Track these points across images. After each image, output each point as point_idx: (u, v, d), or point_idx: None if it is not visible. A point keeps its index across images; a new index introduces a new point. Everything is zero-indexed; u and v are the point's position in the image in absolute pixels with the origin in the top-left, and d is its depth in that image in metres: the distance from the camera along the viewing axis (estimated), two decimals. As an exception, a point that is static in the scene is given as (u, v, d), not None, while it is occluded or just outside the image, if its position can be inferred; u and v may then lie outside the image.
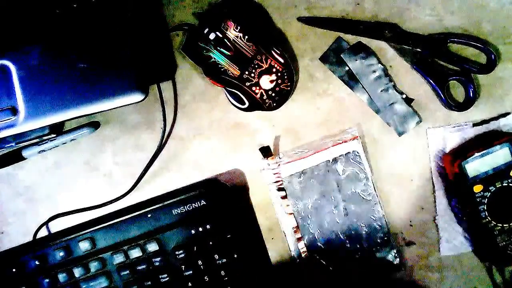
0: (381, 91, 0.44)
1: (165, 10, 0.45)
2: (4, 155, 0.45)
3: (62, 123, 0.44)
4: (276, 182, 0.44)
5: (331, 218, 0.44)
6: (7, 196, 0.46)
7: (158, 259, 0.41)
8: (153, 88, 0.43)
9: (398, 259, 0.44)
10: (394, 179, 0.45)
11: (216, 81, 0.42)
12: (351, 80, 0.44)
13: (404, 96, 0.44)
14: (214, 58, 0.42)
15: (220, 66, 0.42)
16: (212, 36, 0.42)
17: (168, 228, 0.41)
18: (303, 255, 0.44)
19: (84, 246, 0.40)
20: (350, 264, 0.44)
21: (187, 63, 0.45)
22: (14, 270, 0.40)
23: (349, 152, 0.44)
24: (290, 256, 0.45)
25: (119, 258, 0.41)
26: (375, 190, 0.44)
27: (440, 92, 0.43)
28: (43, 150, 0.44)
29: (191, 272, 0.41)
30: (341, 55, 0.44)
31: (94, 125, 0.44)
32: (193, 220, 0.41)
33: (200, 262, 0.41)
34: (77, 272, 0.40)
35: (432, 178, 0.45)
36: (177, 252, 0.41)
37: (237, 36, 0.42)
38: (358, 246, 0.44)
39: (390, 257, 0.44)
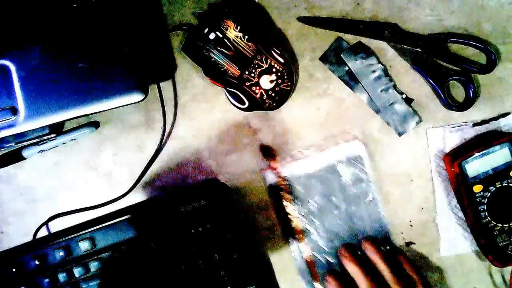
0: (381, 91, 0.44)
1: (165, 10, 0.45)
2: (4, 155, 0.45)
3: (62, 123, 0.44)
4: (278, 183, 0.44)
5: (332, 219, 0.44)
6: (7, 196, 0.46)
7: (158, 259, 0.41)
8: (153, 88, 0.43)
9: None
10: (394, 179, 0.45)
11: (216, 81, 0.42)
12: (351, 80, 0.44)
13: (404, 96, 0.44)
14: (214, 58, 0.42)
15: (220, 66, 0.42)
16: (212, 36, 0.42)
17: (167, 228, 0.41)
18: (304, 256, 0.44)
19: (84, 246, 0.40)
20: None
21: (187, 63, 0.45)
22: (14, 270, 0.40)
23: (351, 154, 0.44)
24: (292, 257, 0.45)
25: (119, 258, 0.41)
26: (376, 191, 0.44)
27: (440, 92, 0.43)
28: (43, 150, 0.44)
29: (191, 272, 0.41)
30: (341, 55, 0.44)
31: (94, 125, 0.44)
32: (193, 220, 0.41)
33: (200, 262, 0.41)
34: (77, 272, 0.40)
35: (432, 178, 0.45)
36: (177, 252, 0.41)
37: (237, 36, 0.42)
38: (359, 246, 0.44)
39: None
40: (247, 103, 0.43)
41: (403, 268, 0.42)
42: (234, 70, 0.42)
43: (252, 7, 0.44)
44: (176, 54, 0.45)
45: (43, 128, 0.40)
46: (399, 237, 0.45)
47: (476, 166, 0.42)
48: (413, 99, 0.44)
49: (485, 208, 0.42)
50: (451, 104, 0.43)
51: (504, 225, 0.42)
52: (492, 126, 0.44)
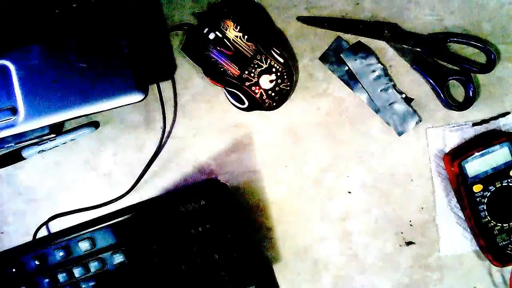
0: (381, 90, 0.44)
1: (165, 10, 0.44)
2: (4, 155, 0.45)
3: (62, 123, 0.44)
4: None
5: None
6: (7, 196, 0.46)
7: (158, 259, 0.41)
8: (153, 88, 0.43)
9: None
10: (394, 179, 0.45)
11: (216, 81, 0.42)
12: (351, 79, 0.44)
13: (403, 95, 0.44)
14: (214, 58, 0.42)
15: (219, 66, 0.42)
16: (211, 36, 0.42)
17: (167, 228, 0.41)
18: None
19: (84, 246, 0.40)
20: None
21: (187, 63, 0.45)
22: (14, 270, 0.40)
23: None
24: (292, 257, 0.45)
25: (119, 258, 0.41)
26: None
27: (440, 92, 0.43)
28: (43, 150, 0.44)
29: (191, 272, 0.41)
30: (341, 55, 0.44)
31: (94, 125, 0.44)
32: (193, 220, 0.41)
33: (200, 262, 0.41)
34: (77, 272, 0.40)
35: (432, 178, 0.45)
36: (177, 252, 0.41)
37: (236, 36, 0.42)
38: None
39: None
40: (246, 103, 0.43)
41: None
42: (233, 70, 0.42)
43: (251, 7, 0.44)
44: (176, 54, 0.45)
45: (43, 128, 0.40)
46: (399, 237, 0.45)
47: (476, 165, 0.42)
48: (413, 99, 0.44)
49: (485, 207, 0.42)
50: (451, 104, 0.43)
51: (504, 225, 0.42)
52: (492, 125, 0.44)
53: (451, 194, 0.44)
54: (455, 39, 0.43)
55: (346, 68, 0.44)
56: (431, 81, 0.43)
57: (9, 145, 0.42)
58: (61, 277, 0.40)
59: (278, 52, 0.42)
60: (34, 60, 0.39)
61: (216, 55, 0.42)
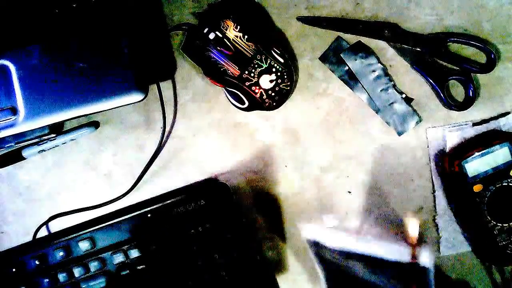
0: (381, 90, 0.44)
1: (165, 10, 0.44)
2: (4, 155, 0.45)
3: (62, 123, 0.44)
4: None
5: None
6: (7, 196, 0.46)
7: (158, 259, 0.41)
8: (152, 88, 0.43)
9: None
10: (394, 179, 0.45)
11: (216, 81, 0.42)
12: (351, 79, 0.44)
13: (403, 95, 0.44)
14: (214, 58, 0.42)
15: (220, 66, 0.42)
16: (211, 36, 0.42)
17: (167, 227, 0.41)
18: None
19: (84, 246, 0.40)
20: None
21: (187, 63, 0.45)
22: (14, 270, 0.40)
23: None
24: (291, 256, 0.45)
25: (119, 258, 0.41)
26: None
27: (440, 92, 0.43)
28: (43, 150, 0.44)
29: (191, 272, 0.41)
30: (341, 55, 0.44)
31: (94, 125, 0.44)
32: (193, 220, 0.41)
33: (200, 262, 0.41)
34: (77, 272, 0.40)
35: (432, 178, 0.45)
36: (177, 252, 0.41)
37: (236, 36, 0.42)
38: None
39: None
40: (247, 103, 0.43)
41: None
42: (234, 70, 0.42)
43: (251, 7, 0.44)
44: (176, 54, 0.45)
45: (43, 128, 0.40)
46: (399, 237, 0.45)
47: (476, 165, 0.42)
48: (413, 99, 0.44)
49: (485, 207, 0.42)
50: (451, 103, 0.43)
51: (504, 225, 0.42)
52: (492, 125, 0.44)
53: (451, 194, 0.44)
54: (455, 39, 0.43)
55: (346, 68, 0.44)
56: (431, 81, 0.43)
57: (9, 145, 0.42)
58: (61, 277, 0.40)
59: (278, 52, 0.42)
60: (34, 60, 0.39)
61: (216, 55, 0.42)
